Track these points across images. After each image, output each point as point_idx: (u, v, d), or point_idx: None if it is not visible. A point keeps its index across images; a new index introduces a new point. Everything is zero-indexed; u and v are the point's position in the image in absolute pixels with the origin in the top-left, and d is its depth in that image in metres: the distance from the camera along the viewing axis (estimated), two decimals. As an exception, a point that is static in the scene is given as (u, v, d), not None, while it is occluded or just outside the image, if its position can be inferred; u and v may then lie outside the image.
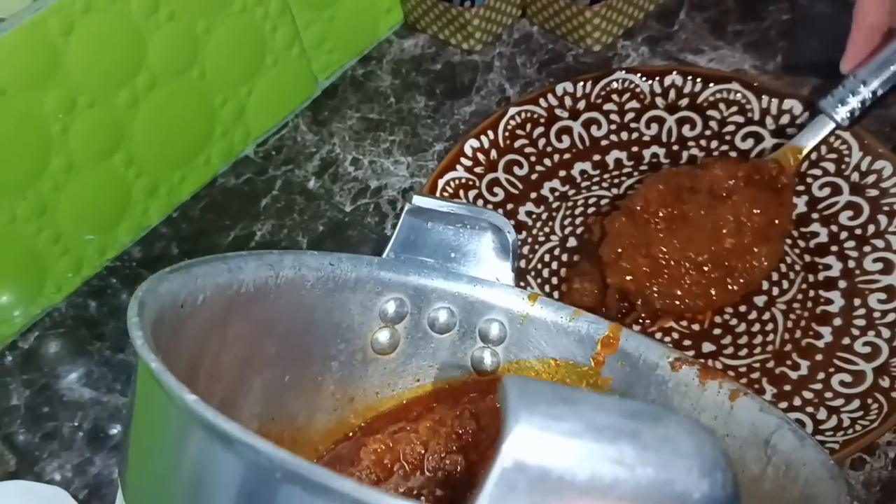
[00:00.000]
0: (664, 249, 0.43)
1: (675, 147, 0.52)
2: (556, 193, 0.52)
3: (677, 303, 0.43)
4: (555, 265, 0.48)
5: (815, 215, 0.48)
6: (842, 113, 0.45)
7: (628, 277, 0.43)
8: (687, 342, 0.44)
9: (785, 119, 0.50)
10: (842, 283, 0.45)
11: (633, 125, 0.53)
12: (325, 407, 0.39)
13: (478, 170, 0.52)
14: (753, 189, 0.44)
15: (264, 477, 0.20)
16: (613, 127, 0.53)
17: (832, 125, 0.46)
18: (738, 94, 0.52)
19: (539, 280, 0.48)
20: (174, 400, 0.22)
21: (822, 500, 0.28)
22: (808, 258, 0.46)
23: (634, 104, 0.53)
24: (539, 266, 0.48)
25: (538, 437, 0.18)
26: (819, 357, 0.42)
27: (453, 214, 0.39)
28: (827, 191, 0.48)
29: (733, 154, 0.51)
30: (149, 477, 0.25)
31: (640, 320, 0.45)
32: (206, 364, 0.32)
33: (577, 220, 0.50)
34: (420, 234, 0.40)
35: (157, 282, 0.29)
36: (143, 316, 0.26)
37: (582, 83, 0.54)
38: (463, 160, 0.52)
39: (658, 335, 0.44)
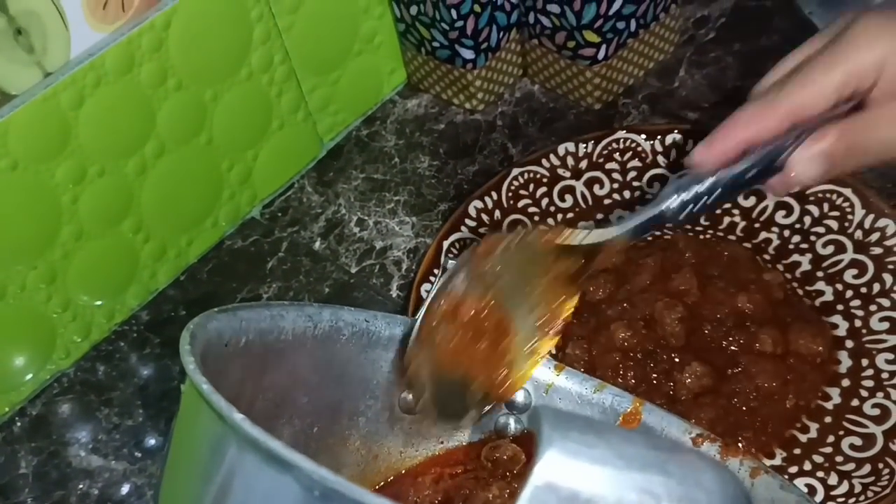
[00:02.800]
0: None
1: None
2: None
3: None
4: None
5: (819, 273, 0.48)
6: (674, 208, 0.37)
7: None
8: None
9: (786, 176, 0.51)
10: (848, 343, 0.45)
11: (635, 184, 0.54)
12: (350, 462, 0.40)
13: (482, 230, 0.52)
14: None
15: (306, 494, 0.22)
16: (616, 186, 0.54)
17: (658, 215, 0.37)
18: (739, 152, 0.52)
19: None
20: (225, 419, 0.24)
21: None
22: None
23: (636, 163, 0.54)
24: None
25: (569, 461, 0.19)
26: (828, 419, 0.42)
27: None
28: (831, 248, 0.48)
29: (735, 210, 0.51)
30: (185, 490, 0.27)
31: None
32: (241, 407, 0.33)
33: (582, 280, 0.50)
34: None
35: (206, 318, 0.31)
36: (194, 346, 0.27)
37: (584, 143, 0.54)
38: (467, 221, 0.52)
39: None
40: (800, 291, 0.47)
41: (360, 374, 0.39)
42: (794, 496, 0.34)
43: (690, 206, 0.36)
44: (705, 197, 0.36)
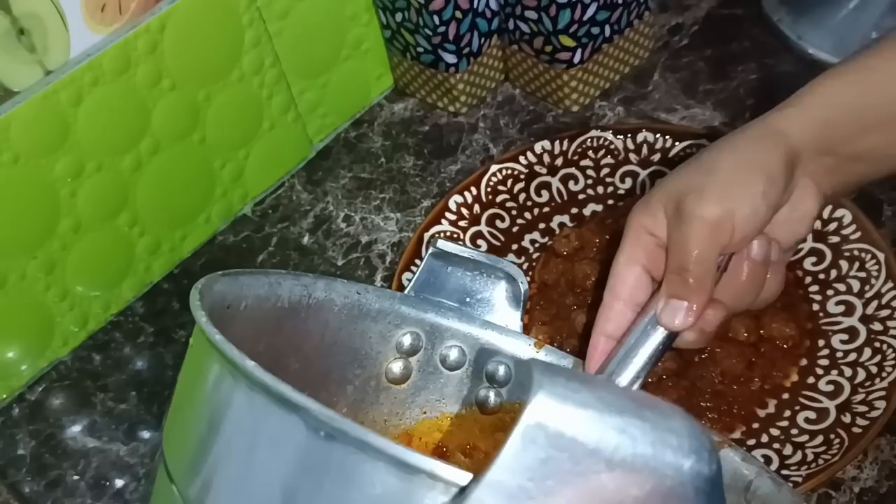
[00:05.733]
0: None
1: (649, 199, 0.55)
2: (536, 245, 0.54)
3: None
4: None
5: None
6: None
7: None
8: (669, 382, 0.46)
9: (751, 171, 0.53)
10: (807, 325, 0.47)
11: (608, 180, 0.56)
12: None
13: (462, 223, 0.55)
14: None
15: (312, 435, 0.24)
16: (590, 182, 0.56)
17: None
18: (707, 149, 0.55)
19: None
20: (237, 365, 0.26)
21: None
22: (775, 302, 0.48)
23: (609, 160, 0.57)
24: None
25: (556, 403, 0.21)
26: (786, 396, 0.44)
27: (472, 261, 0.42)
28: None
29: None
30: (190, 421, 0.29)
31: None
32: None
33: (557, 270, 0.53)
34: (440, 277, 0.43)
35: (212, 280, 0.33)
36: (203, 303, 0.29)
37: (559, 141, 0.57)
38: (448, 214, 0.55)
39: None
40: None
41: (350, 343, 0.41)
42: (754, 466, 0.36)
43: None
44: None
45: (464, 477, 0.21)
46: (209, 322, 0.28)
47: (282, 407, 0.24)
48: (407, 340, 0.42)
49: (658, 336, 0.37)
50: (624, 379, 0.36)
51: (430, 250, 0.42)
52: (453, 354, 0.43)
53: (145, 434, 0.52)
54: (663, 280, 0.37)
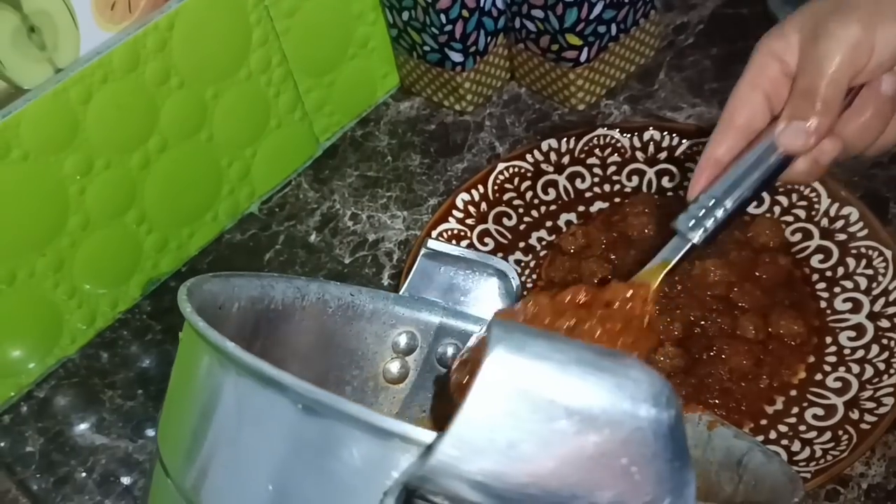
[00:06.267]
0: None
1: (656, 197, 0.55)
2: (543, 242, 0.55)
3: None
4: (542, 310, 0.51)
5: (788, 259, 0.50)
6: (697, 234, 0.38)
7: None
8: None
9: (758, 169, 0.53)
10: (815, 322, 0.47)
11: (615, 178, 0.56)
12: None
13: (469, 221, 0.55)
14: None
15: (293, 409, 0.24)
16: (596, 180, 0.57)
17: (689, 244, 0.39)
18: (714, 147, 0.55)
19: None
20: (219, 349, 0.26)
21: (782, 501, 0.30)
22: (782, 299, 0.48)
23: (616, 158, 0.57)
24: (527, 311, 0.51)
25: (515, 356, 0.21)
26: (793, 392, 0.44)
27: (464, 260, 0.42)
28: (799, 236, 0.51)
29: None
30: (183, 414, 0.29)
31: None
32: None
33: (564, 268, 0.53)
34: (433, 276, 0.43)
35: (201, 280, 0.33)
36: (191, 300, 0.30)
37: (566, 139, 0.57)
38: (455, 213, 0.55)
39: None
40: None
41: (346, 345, 0.41)
42: (746, 442, 0.36)
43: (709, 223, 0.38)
44: (719, 211, 0.38)
45: (431, 436, 0.22)
46: (194, 311, 0.28)
47: (264, 385, 0.25)
48: (403, 340, 0.43)
49: (771, 162, 0.37)
50: (729, 202, 0.37)
51: (422, 251, 0.43)
52: (449, 352, 0.43)
53: (153, 431, 0.52)
54: (786, 104, 0.37)
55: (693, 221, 0.38)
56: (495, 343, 0.21)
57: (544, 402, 0.21)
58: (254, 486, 0.25)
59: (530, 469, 0.21)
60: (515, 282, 0.42)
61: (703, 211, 0.38)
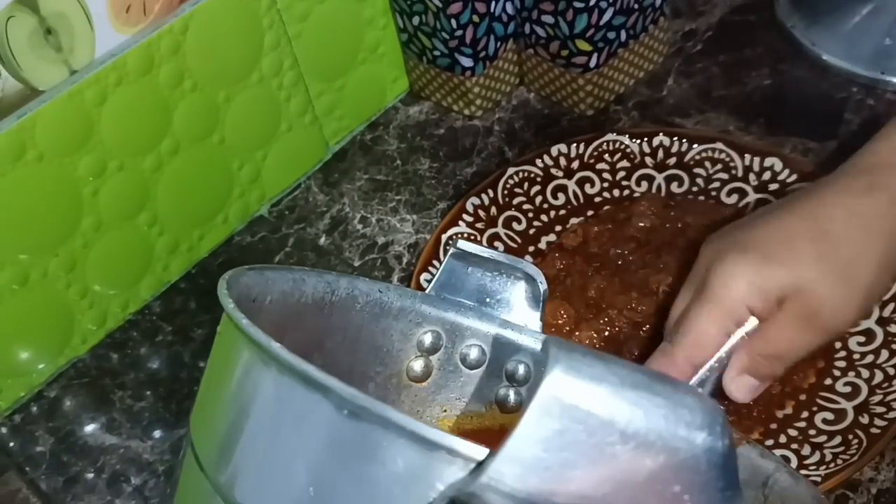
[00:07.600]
0: None
1: (662, 196, 0.56)
2: (553, 247, 0.55)
3: None
4: (552, 314, 0.51)
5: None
6: None
7: None
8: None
9: (767, 175, 0.54)
10: (823, 328, 0.47)
11: (624, 183, 0.57)
12: None
13: (479, 225, 0.55)
14: None
15: (336, 413, 0.24)
16: (606, 185, 0.57)
17: None
18: (723, 153, 0.55)
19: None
20: (263, 348, 0.26)
21: None
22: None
23: (625, 163, 0.57)
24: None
25: (572, 378, 0.22)
26: (803, 397, 0.45)
27: (492, 261, 0.42)
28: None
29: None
30: (219, 409, 0.29)
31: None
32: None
33: (573, 272, 0.53)
34: (460, 277, 0.43)
35: (239, 272, 0.33)
36: (230, 293, 0.30)
37: (575, 144, 0.57)
38: (465, 216, 0.55)
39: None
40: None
41: (372, 341, 0.41)
42: (772, 462, 0.36)
43: None
44: None
45: (481, 452, 0.22)
46: (236, 308, 0.28)
47: (307, 387, 0.25)
48: (428, 339, 0.43)
49: (708, 387, 0.38)
50: None
51: (451, 251, 0.43)
52: (473, 353, 0.43)
53: (163, 432, 0.52)
54: (746, 355, 0.39)
55: None
56: (554, 363, 0.21)
57: (599, 424, 0.21)
58: (293, 489, 0.25)
59: (581, 491, 0.21)
60: (543, 286, 0.42)
61: None
